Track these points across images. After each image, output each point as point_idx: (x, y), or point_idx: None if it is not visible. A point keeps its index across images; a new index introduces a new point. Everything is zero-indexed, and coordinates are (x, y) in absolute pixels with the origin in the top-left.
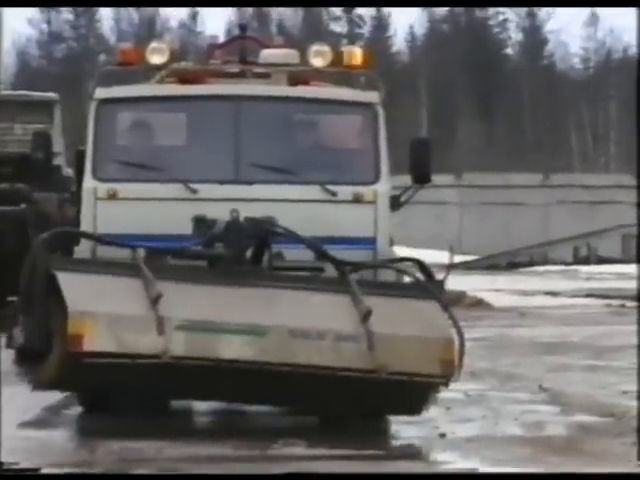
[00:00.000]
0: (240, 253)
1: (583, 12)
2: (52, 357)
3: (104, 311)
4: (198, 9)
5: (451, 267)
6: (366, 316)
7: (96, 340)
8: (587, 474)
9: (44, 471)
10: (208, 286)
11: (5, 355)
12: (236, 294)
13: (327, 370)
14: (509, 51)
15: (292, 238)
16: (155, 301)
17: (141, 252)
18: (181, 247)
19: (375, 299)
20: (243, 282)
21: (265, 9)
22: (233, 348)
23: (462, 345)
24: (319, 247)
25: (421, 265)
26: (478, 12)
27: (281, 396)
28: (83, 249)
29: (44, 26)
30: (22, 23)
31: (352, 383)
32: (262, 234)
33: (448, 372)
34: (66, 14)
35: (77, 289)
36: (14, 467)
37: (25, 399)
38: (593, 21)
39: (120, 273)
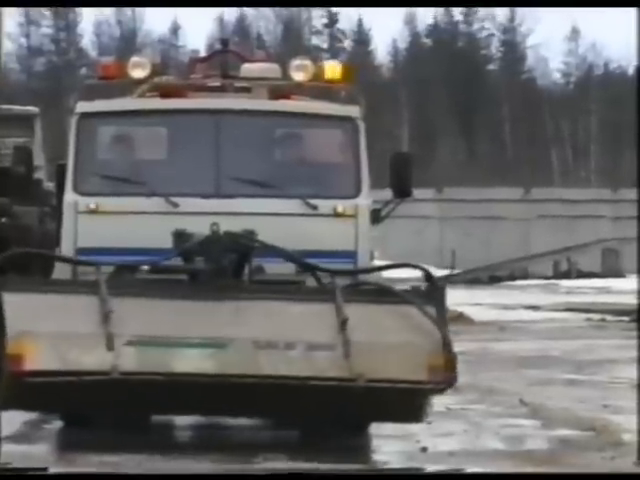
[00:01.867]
0: (219, 267)
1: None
2: (1, 378)
3: (46, 330)
4: (180, 23)
5: (452, 273)
6: (343, 324)
7: (38, 359)
8: (587, 474)
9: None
10: (171, 301)
11: None
12: (201, 308)
13: (297, 380)
14: (491, 66)
15: (271, 252)
16: (106, 318)
17: (109, 268)
18: (153, 261)
19: (358, 307)
20: (212, 296)
21: (246, 23)
22: (189, 362)
23: (450, 351)
24: (299, 259)
25: (423, 270)
26: (461, 27)
27: (249, 408)
28: (63, 268)
29: (23, 40)
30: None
31: (329, 393)
32: (241, 248)
33: (437, 378)
34: (45, 28)
35: (21, 309)
36: (9, 467)
37: (5, 413)
38: (574, 36)
39: (77, 291)
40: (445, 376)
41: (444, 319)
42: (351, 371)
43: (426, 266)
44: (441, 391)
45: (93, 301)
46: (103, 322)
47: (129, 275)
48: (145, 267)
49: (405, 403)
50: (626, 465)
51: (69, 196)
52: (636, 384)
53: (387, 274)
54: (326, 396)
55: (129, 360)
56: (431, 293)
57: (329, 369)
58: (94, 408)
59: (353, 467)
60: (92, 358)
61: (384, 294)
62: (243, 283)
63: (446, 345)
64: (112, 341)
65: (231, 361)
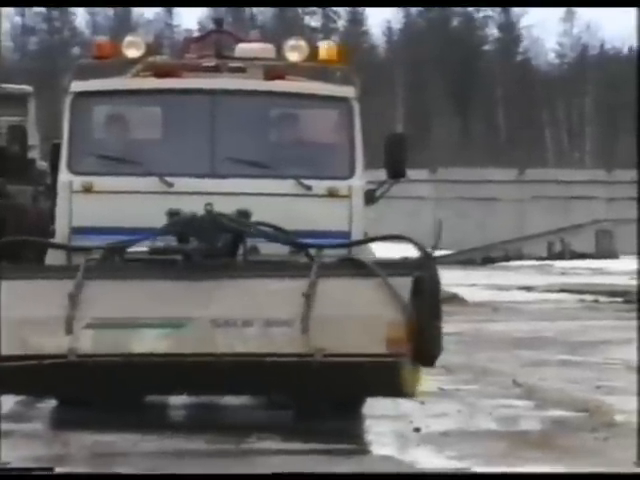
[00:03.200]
0: (210, 247)
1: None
2: None
3: (12, 315)
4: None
5: (437, 243)
6: (307, 299)
7: (4, 344)
8: (587, 474)
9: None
10: (142, 282)
11: None
12: (168, 289)
13: (253, 357)
14: (486, 47)
15: (258, 234)
16: (71, 301)
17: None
18: (136, 240)
19: (330, 281)
20: (184, 276)
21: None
22: (146, 342)
23: (408, 322)
24: (286, 238)
25: (412, 242)
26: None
27: (208, 387)
28: (56, 252)
29: (18, 19)
30: None
31: (288, 369)
32: (226, 229)
33: (397, 350)
34: (38, 8)
35: None
36: (14, 467)
37: None
38: (569, 17)
39: (54, 276)
40: (407, 348)
41: (432, 290)
42: (309, 346)
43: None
44: (403, 363)
45: (67, 285)
46: (68, 306)
47: (116, 258)
48: (135, 249)
49: (373, 376)
50: (618, 445)
51: (63, 175)
52: (631, 365)
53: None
54: (285, 372)
55: (86, 343)
56: (420, 264)
57: (286, 345)
58: (57, 391)
59: (345, 447)
60: (51, 342)
61: (358, 267)
62: (223, 263)
63: (407, 316)
64: (71, 325)
65: (187, 340)
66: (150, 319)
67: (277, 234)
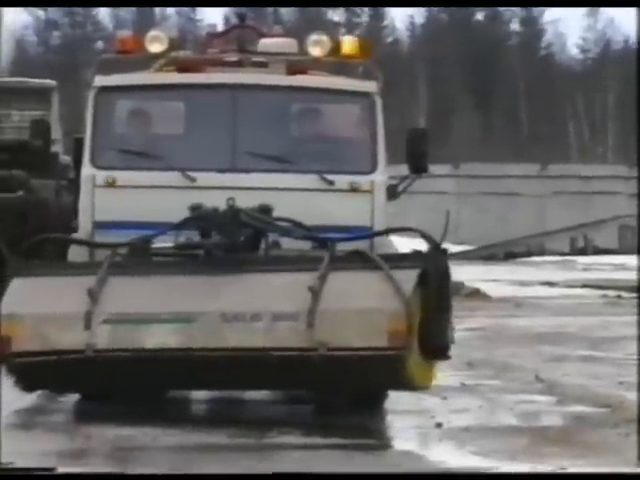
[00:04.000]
0: (232, 242)
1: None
2: None
3: (31, 312)
4: None
5: (445, 234)
6: (313, 293)
7: (23, 340)
8: (587, 474)
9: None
10: (160, 278)
11: None
12: (182, 284)
13: (260, 352)
14: (509, 42)
15: (280, 230)
16: (91, 297)
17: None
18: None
19: (340, 275)
20: (199, 271)
21: None
22: (158, 337)
23: (409, 315)
24: (306, 234)
25: (424, 235)
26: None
27: (218, 381)
28: (79, 248)
29: (41, 13)
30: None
31: (293, 363)
32: (253, 225)
33: (398, 344)
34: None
35: (16, 293)
36: (9, 467)
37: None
38: (593, 12)
39: (76, 273)
40: (409, 341)
41: (439, 282)
42: (313, 340)
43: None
44: (405, 356)
45: (88, 282)
46: (88, 302)
47: (139, 254)
48: (159, 244)
49: (376, 370)
50: None
51: (86, 170)
52: None
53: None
54: (290, 367)
55: (103, 338)
56: (427, 256)
57: (292, 339)
58: (76, 386)
59: (366, 442)
60: (70, 337)
61: (364, 260)
62: (242, 258)
63: (408, 309)
64: (90, 320)
65: (197, 335)
66: (162, 314)
67: (297, 230)
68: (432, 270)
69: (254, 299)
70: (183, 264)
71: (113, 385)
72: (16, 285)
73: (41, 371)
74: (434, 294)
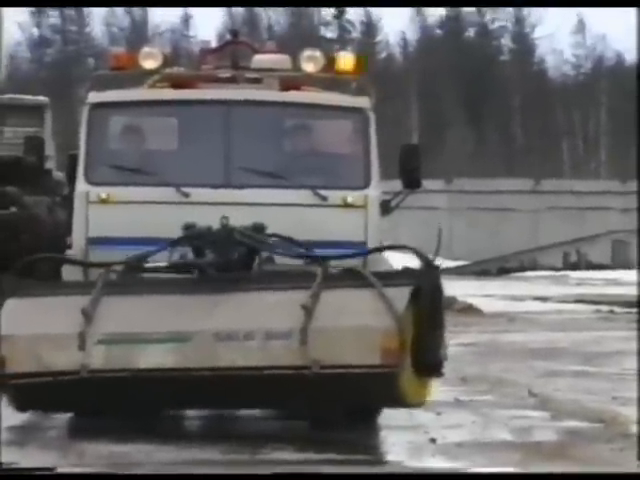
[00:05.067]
0: (225, 260)
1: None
2: None
3: (26, 332)
4: (191, 13)
5: (438, 251)
6: (306, 311)
7: (17, 362)
8: (587, 474)
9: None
10: (154, 297)
11: None
12: (176, 303)
13: (252, 371)
14: (502, 57)
15: (274, 249)
16: (85, 317)
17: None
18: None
19: (333, 292)
20: (192, 290)
21: (256, 13)
22: (153, 357)
23: (402, 332)
24: (300, 252)
25: (417, 253)
26: (473, 17)
27: (212, 401)
28: (73, 267)
29: (34, 30)
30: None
31: (285, 381)
32: (247, 244)
33: (390, 361)
34: (54, 19)
35: (12, 313)
36: (13, 467)
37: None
38: (580, 28)
39: (69, 293)
40: (401, 358)
41: (431, 299)
42: (306, 358)
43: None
44: (398, 374)
45: (82, 302)
46: (82, 322)
47: (132, 273)
48: (153, 264)
49: (369, 387)
50: (635, 456)
51: (80, 186)
52: None
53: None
54: (283, 385)
55: (98, 358)
56: (419, 274)
57: (285, 357)
58: (71, 407)
59: (360, 458)
60: (64, 358)
61: (357, 278)
62: (236, 276)
63: (401, 327)
64: (84, 341)
65: (191, 355)
66: (157, 334)
67: (291, 249)
68: (425, 287)
69: (247, 318)
70: (177, 283)
71: (108, 406)
72: (10, 306)
73: (35, 392)
74: (427, 311)
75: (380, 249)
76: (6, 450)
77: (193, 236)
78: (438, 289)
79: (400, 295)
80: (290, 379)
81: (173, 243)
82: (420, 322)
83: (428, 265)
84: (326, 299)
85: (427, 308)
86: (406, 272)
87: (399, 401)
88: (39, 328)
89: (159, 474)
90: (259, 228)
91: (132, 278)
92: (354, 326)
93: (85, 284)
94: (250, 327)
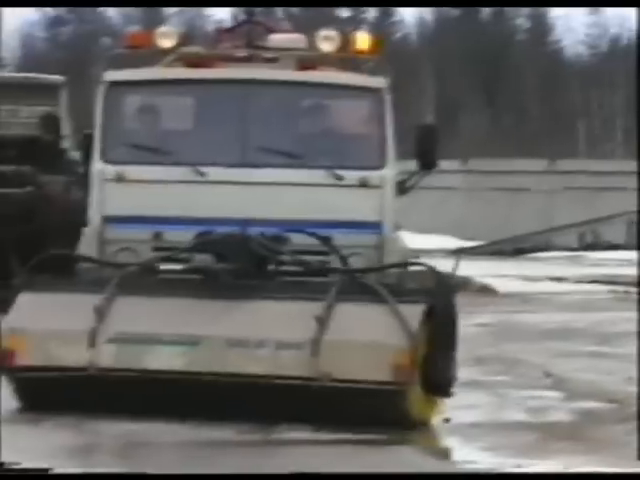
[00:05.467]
0: (239, 266)
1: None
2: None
3: (36, 327)
4: None
5: (455, 271)
6: (319, 323)
7: (27, 355)
8: (587, 474)
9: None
10: (167, 299)
11: None
12: (189, 306)
13: (263, 379)
14: (518, 37)
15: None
16: (97, 315)
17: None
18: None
19: (346, 305)
20: (206, 295)
21: None
22: (163, 359)
23: (414, 350)
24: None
25: (429, 268)
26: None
27: (219, 405)
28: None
29: (49, 9)
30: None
31: (296, 392)
32: (261, 255)
33: (401, 379)
34: None
35: (24, 307)
36: (16, 467)
37: None
38: (594, 9)
39: (85, 290)
40: (412, 376)
41: (444, 318)
42: (317, 370)
43: (449, 238)
44: (407, 392)
45: (94, 300)
46: (93, 320)
47: (149, 273)
48: (167, 267)
49: (377, 404)
50: None
51: (96, 164)
52: None
53: (421, 243)
54: (291, 395)
55: (107, 357)
56: (434, 292)
57: (295, 368)
58: (78, 404)
59: (374, 437)
60: (74, 354)
61: (371, 293)
62: (251, 284)
63: (413, 345)
64: (94, 338)
65: (201, 359)
66: (168, 336)
67: (305, 262)
68: (438, 306)
69: (260, 326)
70: (191, 287)
71: (114, 404)
72: (23, 299)
73: (42, 387)
74: (439, 330)
75: (397, 265)
76: (21, 430)
77: (209, 242)
78: (452, 309)
79: (414, 312)
80: (299, 389)
81: (187, 249)
82: (432, 341)
83: (443, 284)
84: (340, 312)
85: (440, 327)
86: (420, 290)
87: (404, 419)
88: (50, 323)
89: (159, 474)
90: (281, 239)
91: (147, 280)
92: (366, 341)
93: (99, 282)
94: (262, 335)
